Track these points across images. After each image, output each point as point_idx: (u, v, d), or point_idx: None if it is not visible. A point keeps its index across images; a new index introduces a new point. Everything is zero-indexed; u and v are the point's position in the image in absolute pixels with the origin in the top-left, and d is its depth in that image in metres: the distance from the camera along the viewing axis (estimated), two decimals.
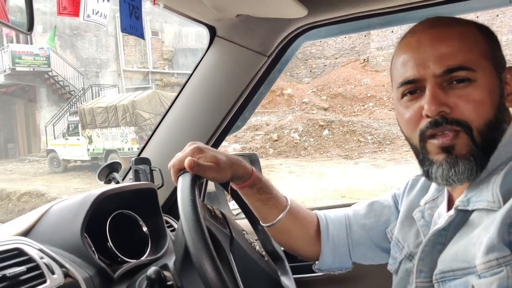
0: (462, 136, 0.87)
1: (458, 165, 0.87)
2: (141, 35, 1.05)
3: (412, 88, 0.92)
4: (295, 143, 16.03)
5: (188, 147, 1.01)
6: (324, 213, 1.25)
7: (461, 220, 0.88)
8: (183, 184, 0.93)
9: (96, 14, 0.97)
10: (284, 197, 1.19)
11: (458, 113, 0.86)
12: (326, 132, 16.31)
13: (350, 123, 16.57)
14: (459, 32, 0.90)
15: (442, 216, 0.96)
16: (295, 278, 1.27)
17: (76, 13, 0.93)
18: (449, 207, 0.96)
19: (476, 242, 0.80)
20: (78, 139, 16.82)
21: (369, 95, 19.29)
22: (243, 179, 1.09)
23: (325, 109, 19.29)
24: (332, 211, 1.27)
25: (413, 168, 1.06)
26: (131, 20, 1.01)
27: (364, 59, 21.31)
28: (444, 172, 0.89)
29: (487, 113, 0.86)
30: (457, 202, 0.89)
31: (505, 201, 0.79)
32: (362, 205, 1.25)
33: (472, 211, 0.86)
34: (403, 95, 0.94)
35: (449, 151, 0.88)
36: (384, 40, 19.43)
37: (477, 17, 17.26)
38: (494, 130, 0.88)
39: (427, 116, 0.88)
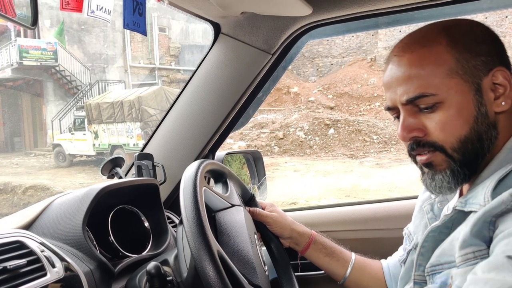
0: (437, 154, 0.91)
1: (435, 180, 0.93)
2: (143, 31, 1.05)
3: (394, 114, 0.98)
4: (301, 141, 16.01)
5: None
6: (388, 262, 1.33)
7: (462, 219, 0.89)
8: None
9: (100, 9, 0.97)
10: (345, 250, 1.35)
11: (430, 136, 0.91)
12: (331, 131, 16.27)
13: (356, 122, 16.52)
14: (420, 58, 0.91)
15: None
16: (296, 276, 1.28)
17: (79, 9, 0.92)
18: None
19: (458, 237, 0.83)
20: (84, 134, 16.87)
21: (375, 94, 19.21)
22: (305, 236, 1.32)
23: (331, 108, 19.24)
24: (394, 255, 1.33)
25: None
26: (134, 16, 1.01)
27: (372, 59, 21.20)
28: (427, 183, 0.95)
29: (458, 131, 0.88)
30: (457, 203, 0.91)
31: None
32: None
33: (469, 212, 0.87)
34: (393, 117, 0.99)
35: (428, 165, 0.94)
36: (392, 39, 19.31)
37: (486, 18, 17.14)
38: (474, 142, 0.89)
39: None
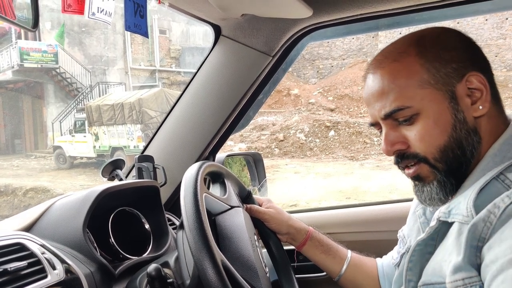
0: (422, 166, 0.92)
1: (424, 192, 0.93)
2: (145, 33, 1.05)
3: (378, 129, 0.99)
4: (301, 143, 16.00)
5: None
6: (382, 261, 1.33)
7: (446, 230, 0.89)
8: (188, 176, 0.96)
9: (101, 12, 0.97)
10: (342, 247, 1.34)
11: (412, 147, 0.91)
12: (332, 133, 16.27)
13: (356, 124, 16.51)
14: (391, 72, 0.91)
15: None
16: (296, 278, 1.28)
17: (81, 11, 0.93)
18: None
19: (447, 259, 0.82)
20: (84, 136, 16.88)
21: None
22: (302, 232, 1.32)
23: (332, 110, 19.23)
24: (389, 254, 1.32)
25: None
26: (136, 18, 1.01)
27: None
28: (418, 195, 0.96)
29: (437, 140, 0.89)
30: (440, 213, 0.90)
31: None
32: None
33: (452, 223, 0.86)
34: (379, 132, 1.00)
35: (417, 178, 0.95)
36: (392, 41, 19.14)
37: (486, 20, 17.15)
38: (455, 150, 0.88)
39: None
